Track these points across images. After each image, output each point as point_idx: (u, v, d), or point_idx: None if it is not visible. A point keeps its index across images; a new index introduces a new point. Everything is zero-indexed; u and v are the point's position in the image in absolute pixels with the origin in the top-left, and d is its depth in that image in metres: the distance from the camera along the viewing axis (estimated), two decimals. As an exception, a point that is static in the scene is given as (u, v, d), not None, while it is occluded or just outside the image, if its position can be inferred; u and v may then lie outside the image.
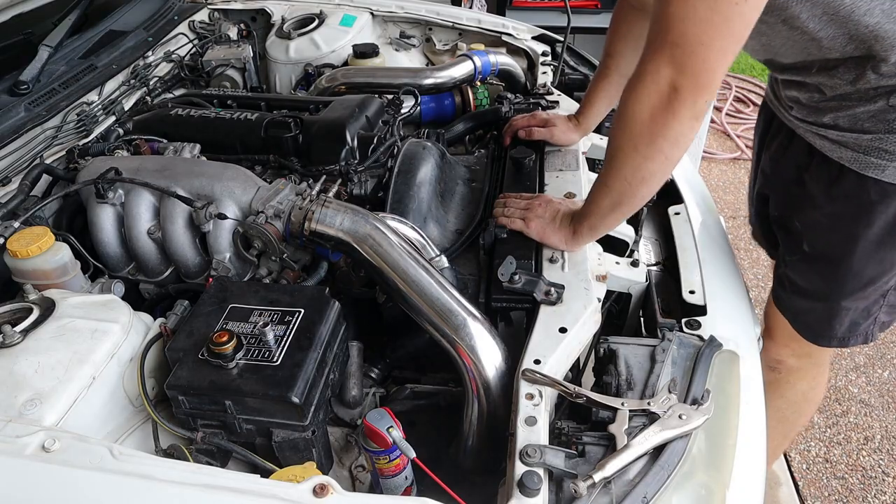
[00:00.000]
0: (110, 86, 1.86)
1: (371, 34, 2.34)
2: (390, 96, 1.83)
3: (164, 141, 1.62)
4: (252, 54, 2.15)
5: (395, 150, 1.53)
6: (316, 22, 2.26)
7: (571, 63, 2.10)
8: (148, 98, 1.96)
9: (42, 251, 1.20)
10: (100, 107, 1.78)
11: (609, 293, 1.30)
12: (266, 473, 0.90)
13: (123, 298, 1.20)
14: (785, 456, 2.28)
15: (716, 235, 1.45)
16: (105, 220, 1.39)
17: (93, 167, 1.43)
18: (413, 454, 1.01)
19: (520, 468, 0.89)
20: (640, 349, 1.09)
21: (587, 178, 1.51)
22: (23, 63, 1.69)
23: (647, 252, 1.44)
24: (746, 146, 4.04)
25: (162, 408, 1.07)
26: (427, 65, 2.37)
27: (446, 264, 1.28)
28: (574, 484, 0.86)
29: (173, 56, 2.13)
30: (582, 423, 1.00)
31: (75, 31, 1.88)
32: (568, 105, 1.78)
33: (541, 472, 0.88)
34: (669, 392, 1.00)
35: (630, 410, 0.97)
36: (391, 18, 2.40)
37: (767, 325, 1.58)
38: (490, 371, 1.09)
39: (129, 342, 1.08)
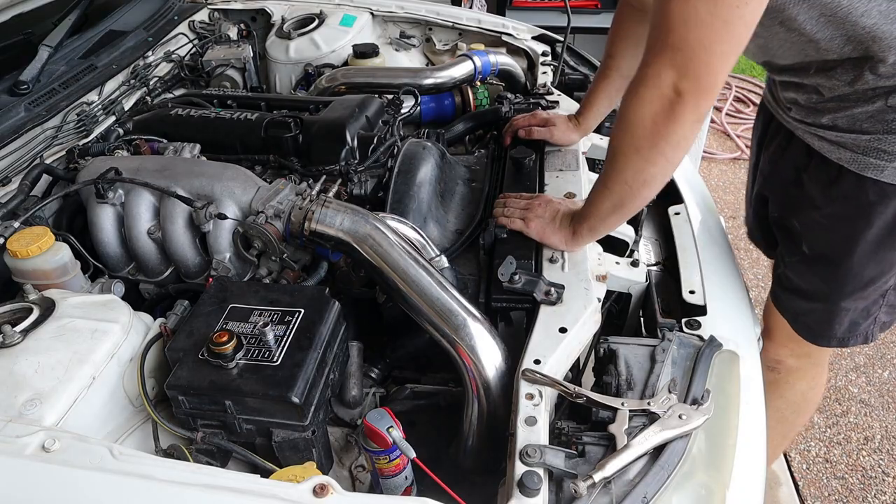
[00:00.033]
0: (110, 86, 1.86)
1: (371, 34, 2.33)
2: (390, 96, 1.83)
3: (164, 141, 1.62)
4: (252, 54, 2.15)
5: (395, 150, 1.53)
6: (316, 22, 2.26)
7: (571, 63, 2.10)
8: (148, 98, 1.96)
9: (42, 251, 1.21)
10: (100, 107, 1.78)
11: (609, 293, 1.30)
12: (266, 473, 0.90)
13: (123, 298, 1.20)
14: (785, 456, 2.28)
15: (716, 235, 1.45)
16: (105, 220, 1.39)
17: (93, 167, 1.43)
18: (413, 454, 1.01)
19: (520, 468, 0.89)
20: (640, 349, 1.09)
21: (587, 179, 1.51)
22: (23, 63, 1.69)
23: (647, 252, 1.44)
24: (746, 146, 4.04)
25: (162, 408, 1.07)
26: (427, 65, 2.37)
27: (446, 264, 1.28)
28: (574, 484, 0.86)
29: (173, 56, 2.13)
30: (582, 423, 1.00)
31: (75, 31, 1.88)
32: (568, 105, 1.78)
33: (541, 472, 0.88)
34: (669, 392, 1.00)
35: (630, 410, 0.97)
36: (391, 18, 2.39)
37: (767, 325, 1.58)
38: (490, 371, 1.09)
39: (129, 342, 1.08)
